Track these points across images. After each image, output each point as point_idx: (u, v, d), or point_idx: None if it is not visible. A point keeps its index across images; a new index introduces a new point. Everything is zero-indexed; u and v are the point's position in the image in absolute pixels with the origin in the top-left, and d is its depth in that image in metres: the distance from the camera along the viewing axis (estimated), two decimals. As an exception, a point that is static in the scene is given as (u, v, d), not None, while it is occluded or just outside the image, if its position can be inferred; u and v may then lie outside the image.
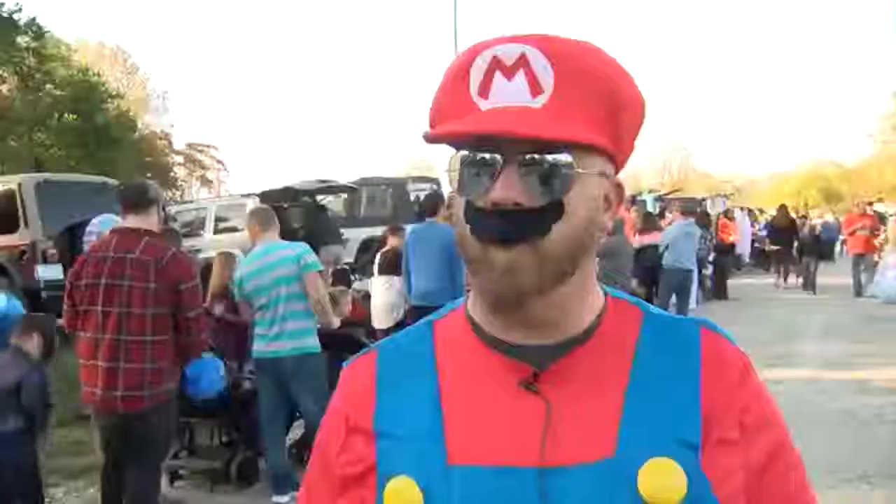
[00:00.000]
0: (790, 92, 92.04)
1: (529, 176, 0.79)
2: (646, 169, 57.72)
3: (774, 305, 13.84)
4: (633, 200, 14.95)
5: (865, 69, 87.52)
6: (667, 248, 10.41)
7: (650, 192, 21.79)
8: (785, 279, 16.91)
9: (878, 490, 4.71)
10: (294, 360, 4.56)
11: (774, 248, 17.47)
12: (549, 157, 0.79)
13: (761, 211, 29.73)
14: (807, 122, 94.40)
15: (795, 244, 16.87)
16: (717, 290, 15.00)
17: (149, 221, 3.64)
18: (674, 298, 10.50)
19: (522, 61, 0.81)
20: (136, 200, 3.65)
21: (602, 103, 0.82)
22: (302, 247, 4.72)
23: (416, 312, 6.26)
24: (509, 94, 0.81)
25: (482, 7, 63.12)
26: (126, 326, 3.48)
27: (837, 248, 22.16)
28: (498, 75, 0.82)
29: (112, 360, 3.48)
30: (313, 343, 4.67)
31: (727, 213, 18.43)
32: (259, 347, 4.63)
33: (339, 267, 9.62)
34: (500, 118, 0.80)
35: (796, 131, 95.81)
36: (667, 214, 14.68)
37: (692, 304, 11.17)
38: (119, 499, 3.75)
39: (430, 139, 0.84)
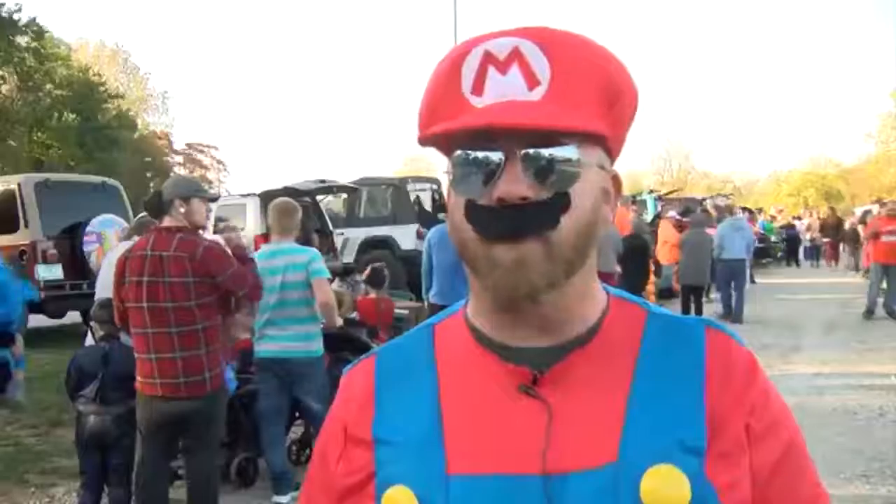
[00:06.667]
0: (790, 92, 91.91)
1: (533, 169, 0.77)
2: (646, 169, 57.74)
3: (774, 304, 13.86)
4: (634, 200, 14.97)
5: (865, 69, 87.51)
6: (720, 242, 11.93)
7: (650, 192, 21.78)
8: (836, 262, 23.32)
9: (878, 490, 4.72)
10: (301, 363, 4.59)
11: (825, 239, 23.85)
12: (553, 149, 0.77)
13: (761, 210, 29.79)
14: (807, 122, 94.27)
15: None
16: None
17: (177, 218, 3.81)
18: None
19: (516, 54, 0.79)
20: (157, 208, 3.87)
21: (600, 92, 0.80)
22: (311, 253, 4.74)
23: (436, 311, 6.32)
24: (505, 88, 0.79)
25: (482, 7, 63.03)
26: (176, 319, 3.67)
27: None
28: (492, 70, 0.79)
29: (169, 351, 3.68)
30: (319, 347, 4.71)
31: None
32: (266, 347, 4.64)
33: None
34: (500, 112, 0.77)
35: (796, 131, 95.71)
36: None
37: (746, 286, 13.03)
38: (155, 494, 3.87)
39: (424, 140, 0.82)
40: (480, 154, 0.78)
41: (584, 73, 0.80)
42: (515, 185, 0.76)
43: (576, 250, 0.80)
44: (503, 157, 0.77)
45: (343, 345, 5.51)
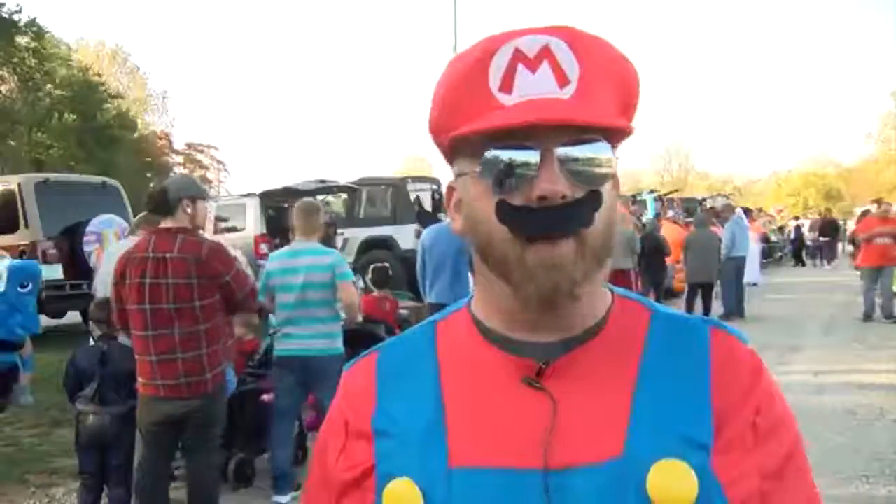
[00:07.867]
0: (790, 92, 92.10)
1: (569, 168, 0.77)
2: (646, 169, 57.75)
3: (775, 303, 13.85)
4: (634, 200, 14.98)
5: (865, 69, 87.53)
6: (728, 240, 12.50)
7: (650, 192, 21.76)
8: (830, 262, 23.95)
9: (878, 490, 4.71)
10: (323, 360, 4.59)
11: (824, 239, 24.41)
12: (586, 147, 0.78)
13: (761, 210, 29.79)
14: (807, 122, 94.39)
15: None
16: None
17: (181, 219, 3.78)
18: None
19: (546, 53, 0.79)
20: (162, 205, 3.82)
21: (619, 91, 0.82)
22: (335, 255, 4.73)
23: (436, 310, 6.33)
24: (536, 86, 0.78)
25: (482, 7, 63.03)
26: (178, 320, 3.66)
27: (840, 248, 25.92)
28: (521, 68, 0.79)
29: (169, 352, 3.66)
30: (340, 345, 4.73)
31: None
32: (287, 346, 4.63)
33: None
34: (536, 109, 0.77)
35: (796, 131, 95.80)
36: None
37: (756, 278, 14.58)
38: (155, 494, 3.88)
39: (455, 140, 0.81)
40: (515, 153, 0.77)
41: (608, 71, 0.81)
42: (556, 183, 0.76)
43: (605, 247, 0.81)
44: (539, 156, 0.77)
45: (360, 341, 5.52)
